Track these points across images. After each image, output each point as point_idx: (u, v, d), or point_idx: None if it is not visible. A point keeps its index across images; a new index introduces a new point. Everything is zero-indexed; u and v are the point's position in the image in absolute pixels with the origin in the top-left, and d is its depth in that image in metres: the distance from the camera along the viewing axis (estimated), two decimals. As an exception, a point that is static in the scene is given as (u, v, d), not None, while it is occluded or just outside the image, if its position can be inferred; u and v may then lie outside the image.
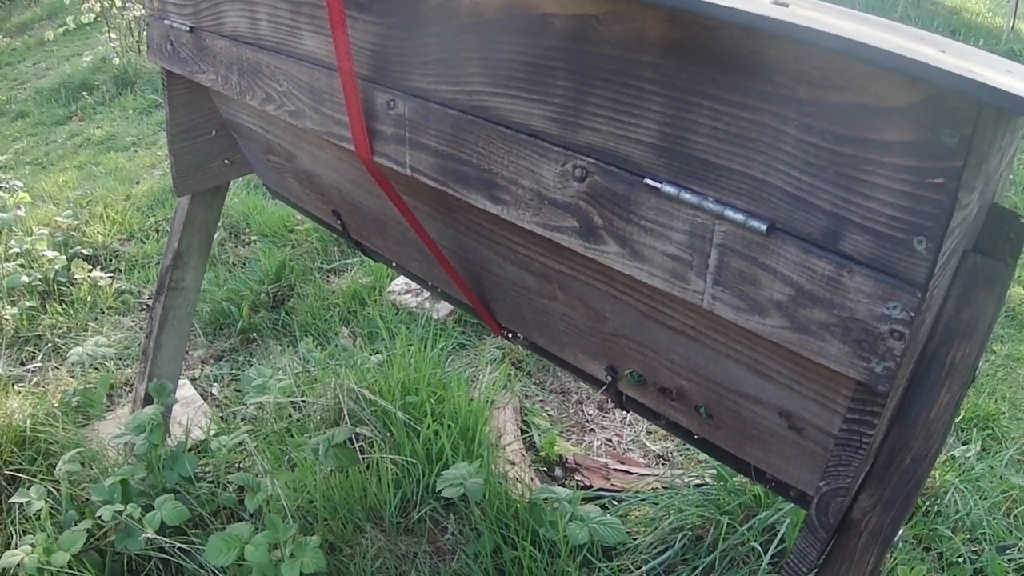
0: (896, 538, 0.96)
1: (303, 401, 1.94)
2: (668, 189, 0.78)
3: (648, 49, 0.77)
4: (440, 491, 1.68)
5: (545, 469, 2.05)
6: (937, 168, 0.64)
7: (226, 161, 1.87)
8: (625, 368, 1.19)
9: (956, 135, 0.63)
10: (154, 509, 1.61)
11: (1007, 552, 1.78)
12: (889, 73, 0.64)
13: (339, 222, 1.67)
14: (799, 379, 0.92)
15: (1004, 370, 2.64)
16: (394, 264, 1.63)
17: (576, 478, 1.98)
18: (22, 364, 2.51)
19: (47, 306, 2.79)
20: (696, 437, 1.18)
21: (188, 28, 1.48)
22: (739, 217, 0.74)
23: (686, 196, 0.76)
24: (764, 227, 0.72)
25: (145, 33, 6.10)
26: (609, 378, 1.23)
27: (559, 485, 1.95)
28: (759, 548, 1.58)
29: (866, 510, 0.93)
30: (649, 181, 0.79)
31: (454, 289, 1.42)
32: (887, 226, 0.68)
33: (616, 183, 0.82)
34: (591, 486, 1.94)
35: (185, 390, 2.30)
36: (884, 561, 0.93)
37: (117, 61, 6.33)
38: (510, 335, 1.41)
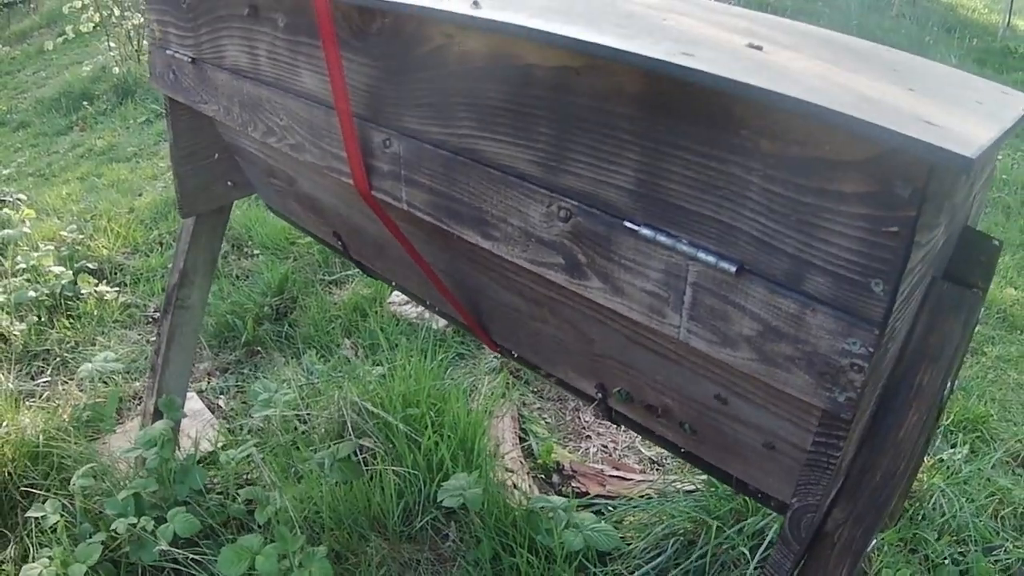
0: (868, 549, 1.01)
1: (308, 414, 2.00)
2: (645, 232, 0.83)
3: (624, 101, 0.82)
4: (441, 501, 1.74)
5: (543, 476, 2.11)
6: (891, 218, 0.69)
7: (229, 183, 1.92)
8: (614, 386, 1.24)
9: (909, 187, 0.68)
10: (166, 521, 1.67)
11: (993, 553, 1.83)
12: (842, 131, 0.69)
13: (340, 243, 1.73)
14: (774, 401, 0.97)
15: (994, 372, 2.69)
16: (393, 283, 1.69)
17: (573, 484, 2.04)
18: (31, 378, 2.57)
19: (55, 321, 2.85)
20: (683, 451, 1.24)
21: (190, 59, 1.53)
22: (710, 259, 0.79)
23: (661, 238, 0.82)
24: (733, 268, 0.78)
25: (145, 42, 6.15)
26: (599, 395, 1.28)
27: (556, 492, 2.01)
28: (747, 553, 1.64)
29: (839, 523, 0.98)
30: (628, 224, 0.84)
31: (451, 309, 1.48)
32: (846, 269, 0.73)
33: (597, 224, 0.88)
34: (587, 492, 2.00)
35: (193, 403, 2.36)
36: (857, 570, 0.99)
37: (117, 70, 6.38)
38: (504, 352, 1.47)
